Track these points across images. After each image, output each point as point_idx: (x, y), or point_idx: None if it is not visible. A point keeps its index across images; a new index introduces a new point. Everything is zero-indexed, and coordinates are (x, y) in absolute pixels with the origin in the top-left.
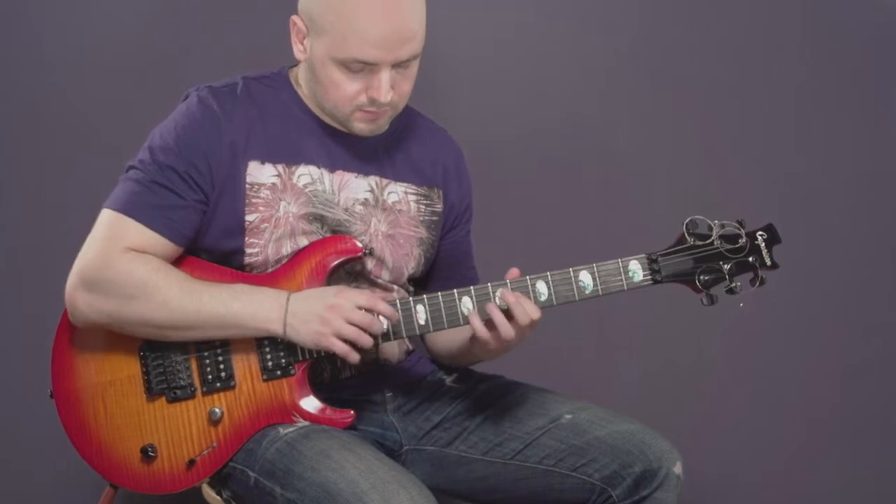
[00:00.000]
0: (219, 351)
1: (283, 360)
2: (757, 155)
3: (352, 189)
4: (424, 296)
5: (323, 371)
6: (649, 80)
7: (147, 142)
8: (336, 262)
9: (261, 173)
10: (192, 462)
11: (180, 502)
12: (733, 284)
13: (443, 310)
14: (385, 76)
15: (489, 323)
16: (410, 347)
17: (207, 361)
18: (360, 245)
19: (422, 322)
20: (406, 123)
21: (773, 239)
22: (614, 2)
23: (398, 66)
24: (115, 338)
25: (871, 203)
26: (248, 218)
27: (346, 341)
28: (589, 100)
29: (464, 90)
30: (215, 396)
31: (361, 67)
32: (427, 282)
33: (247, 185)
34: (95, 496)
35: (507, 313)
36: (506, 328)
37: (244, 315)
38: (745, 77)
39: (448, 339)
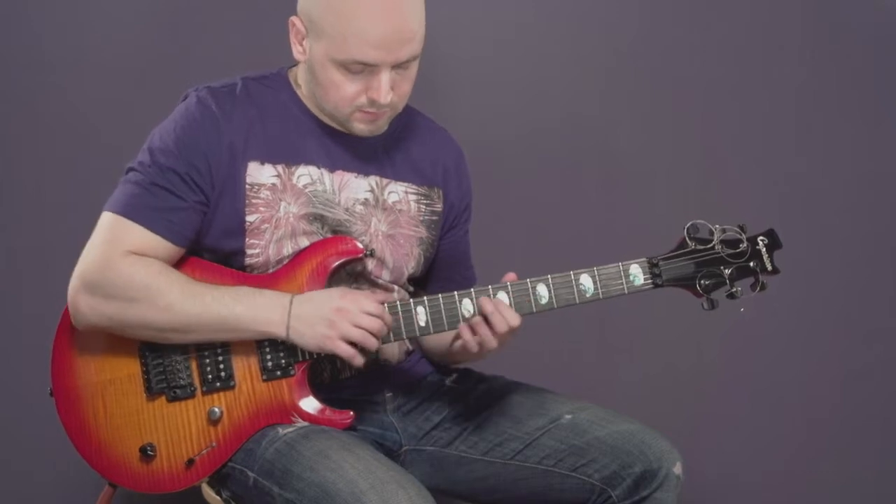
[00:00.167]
0: (219, 351)
1: (283, 361)
2: (757, 155)
3: (352, 189)
4: (425, 298)
5: (323, 371)
6: (649, 80)
7: (146, 143)
8: (337, 263)
9: (260, 174)
10: (191, 461)
11: (179, 502)
12: (734, 289)
13: (443, 312)
14: (385, 77)
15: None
16: (410, 348)
17: (207, 361)
18: (360, 246)
19: (422, 324)
20: (406, 123)
21: (774, 244)
22: (614, 2)
23: (398, 66)
24: (115, 337)
25: (871, 204)
26: (249, 218)
27: (351, 344)
28: (589, 100)
29: (464, 90)
30: (215, 396)
31: (361, 68)
32: (426, 282)
33: (247, 186)
34: (94, 495)
35: (486, 320)
36: (488, 337)
37: (246, 318)
38: (745, 77)
39: (438, 337)
